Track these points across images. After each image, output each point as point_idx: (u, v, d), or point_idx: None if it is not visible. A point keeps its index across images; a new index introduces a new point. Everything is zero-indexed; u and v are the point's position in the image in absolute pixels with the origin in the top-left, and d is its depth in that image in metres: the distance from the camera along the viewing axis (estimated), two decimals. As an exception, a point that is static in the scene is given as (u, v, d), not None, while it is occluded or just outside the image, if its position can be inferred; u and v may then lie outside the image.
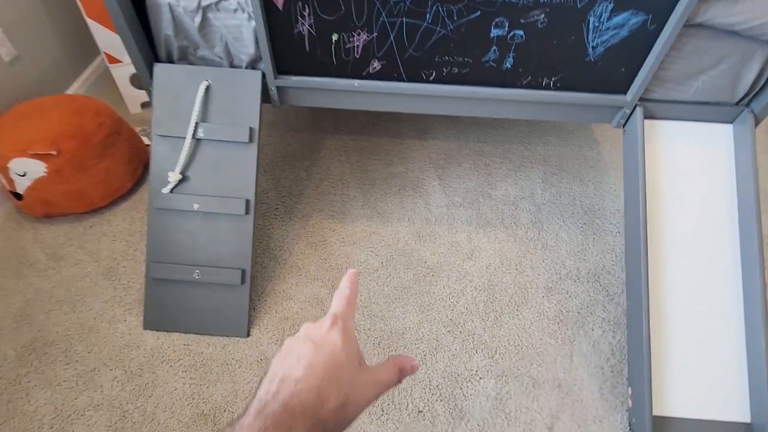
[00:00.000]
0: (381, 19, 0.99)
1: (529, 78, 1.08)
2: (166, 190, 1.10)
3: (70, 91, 1.67)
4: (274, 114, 1.73)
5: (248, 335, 1.15)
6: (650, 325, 1.00)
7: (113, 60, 1.61)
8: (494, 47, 1.03)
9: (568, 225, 1.42)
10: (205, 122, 1.10)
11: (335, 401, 0.31)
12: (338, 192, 1.48)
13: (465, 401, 1.06)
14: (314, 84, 1.11)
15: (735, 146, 1.11)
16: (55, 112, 1.30)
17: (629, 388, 1.04)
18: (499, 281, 1.28)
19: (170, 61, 1.11)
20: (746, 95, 1.08)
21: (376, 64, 1.08)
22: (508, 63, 1.06)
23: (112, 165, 1.37)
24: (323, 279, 1.27)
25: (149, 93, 1.12)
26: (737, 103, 1.10)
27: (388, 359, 0.37)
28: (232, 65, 1.11)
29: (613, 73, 1.06)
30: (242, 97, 1.11)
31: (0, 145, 1.24)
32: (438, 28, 1.00)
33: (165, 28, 1.05)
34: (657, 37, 0.97)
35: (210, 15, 1.01)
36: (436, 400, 1.06)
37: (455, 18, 0.98)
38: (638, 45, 1.00)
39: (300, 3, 0.97)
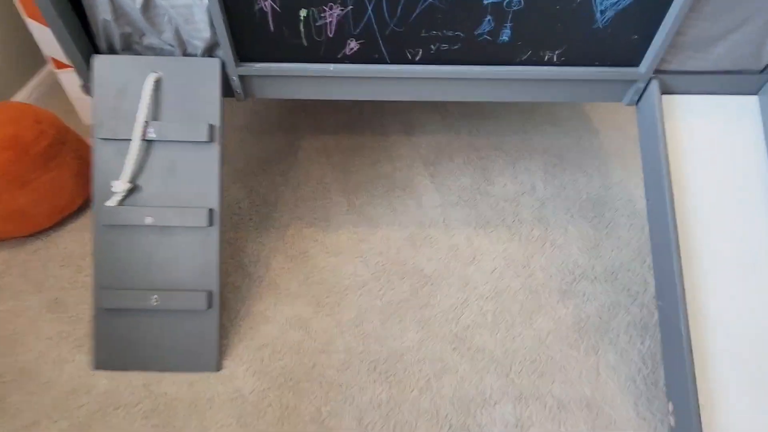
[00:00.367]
0: (356, -13, 0.84)
1: (529, 53, 0.95)
2: (111, 202, 0.93)
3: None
4: (245, 116, 1.57)
5: (219, 369, 0.98)
6: (689, 326, 0.86)
7: (61, 65, 1.44)
8: (489, 17, 0.89)
9: (576, 220, 1.28)
10: (156, 121, 0.94)
11: None
12: (319, 197, 1.32)
13: None
14: (282, 71, 0.96)
15: (763, 119, 0.99)
16: (-15, 121, 1.13)
17: (669, 404, 0.89)
18: (506, 287, 1.13)
19: (112, 52, 0.95)
20: (773, 60, 0.96)
21: (353, 44, 0.93)
22: (505, 35, 0.92)
23: (57, 179, 1.19)
24: (306, 296, 1.10)
25: (88, 90, 0.96)
26: (762, 71, 0.98)
27: None
28: (185, 54, 0.95)
29: (624, 41, 0.93)
30: (199, 90, 0.95)
31: None
32: (423, -4, 0.86)
33: (102, 12, 0.89)
34: (675, -5, 0.85)
35: (153, -8, 0.85)
36: (446, 433, 0.90)
37: (442, -18, 0.84)
38: (652, 7, 0.87)
39: (259, -28, 0.82)
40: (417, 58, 0.95)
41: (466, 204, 1.31)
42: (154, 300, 0.93)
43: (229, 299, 1.09)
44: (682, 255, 0.90)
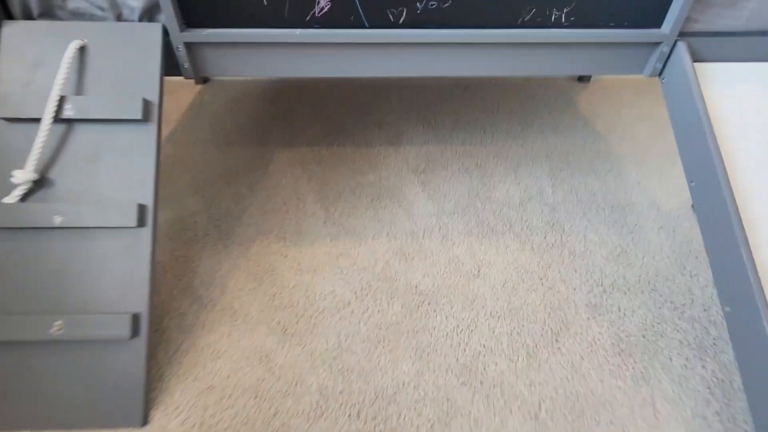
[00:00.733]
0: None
1: (534, 11, 0.80)
2: (11, 199, 0.72)
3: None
4: (210, 129, 1.40)
5: (146, 422, 0.72)
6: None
7: None
8: (483, -35, 0.75)
9: (595, 225, 1.09)
10: (79, 96, 0.75)
11: None
12: (291, 209, 1.11)
13: (506, 498, 0.64)
14: (237, 37, 0.79)
15: (811, 84, 0.84)
16: None
17: (763, 445, 0.65)
18: (522, 303, 0.90)
19: (28, 17, 0.78)
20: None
21: (323, 3, 0.78)
22: (503, -10, 0.78)
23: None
24: (270, 323, 0.86)
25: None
26: (802, 31, 0.84)
27: None
28: (120, 19, 0.79)
29: (643, -5, 0.79)
30: (135, 61, 0.77)
31: None
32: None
33: (15, -33, 0.73)
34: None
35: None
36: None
37: None
38: (674, -50, 0.75)
39: None
40: (400, 20, 0.80)
41: (465, 211, 1.11)
42: (56, 327, 0.69)
43: (168, 329, 0.84)
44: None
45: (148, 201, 0.74)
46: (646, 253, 1.02)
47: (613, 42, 0.83)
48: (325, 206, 1.12)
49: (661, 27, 0.82)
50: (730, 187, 0.73)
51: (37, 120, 0.73)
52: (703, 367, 0.80)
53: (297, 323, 0.86)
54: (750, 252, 0.69)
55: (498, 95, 1.61)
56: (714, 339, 0.85)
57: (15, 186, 0.72)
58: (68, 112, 0.74)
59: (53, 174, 0.74)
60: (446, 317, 0.88)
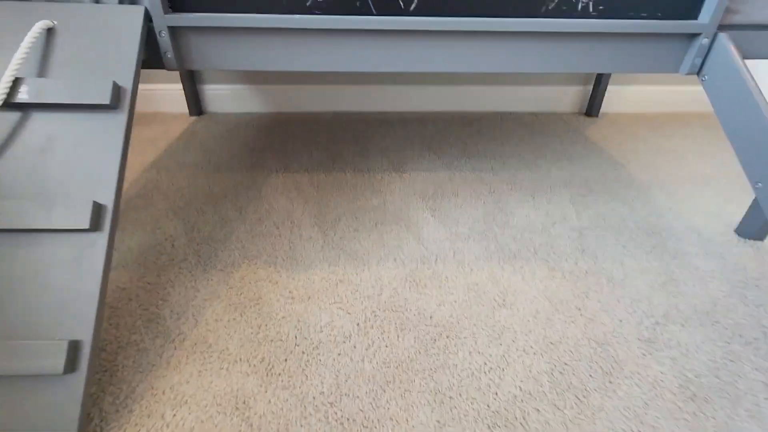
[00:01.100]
0: None
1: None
2: (-64, 192, 0.58)
3: None
4: (198, 153, 1.29)
5: (72, 492, 0.53)
6: None
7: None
8: (503, -54, 0.69)
9: (631, 251, 0.95)
10: (40, 78, 0.64)
11: None
12: (284, 233, 0.98)
13: None
14: (228, 22, 0.71)
15: None
16: None
17: None
18: (561, 337, 0.74)
19: (-6, 0, 0.69)
20: None
21: (326, -14, 0.70)
22: (525, -23, 0.71)
23: None
24: (252, 360, 0.69)
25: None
26: None
27: None
28: (97, 1, 0.70)
29: (677, -16, 0.72)
30: (110, 45, 0.68)
31: None
32: None
33: (-16, -57, 0.65)
34: None
35: None
36: None
37: None
38: (709, -67, 0.69)
39: None
40: (411, 6, 0.72)
41: (483, 236, 0.98)
42: (-34, 355, 0.53)
43: (123, 367, 0.67)
44: None
45: (108, 200, 0.61)
46: (695, 280, 0.87)
47: (646, 33, 0.75)
48: (323, 230, 0.99)
49: (698, 18, 0.75)
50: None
51: (-15, 104, 0.61)
52: (801, 414, 0.63)
53: (285, 361, 0.69)
54: None
55: (505, 128, 1.54)
56: (805, 380, 0.68)
57: (-56, 178, 0.59)
58: (23, 96, 0.62)
59: (-6, 166, 0.61)
60: (470, 353, 0.71)
